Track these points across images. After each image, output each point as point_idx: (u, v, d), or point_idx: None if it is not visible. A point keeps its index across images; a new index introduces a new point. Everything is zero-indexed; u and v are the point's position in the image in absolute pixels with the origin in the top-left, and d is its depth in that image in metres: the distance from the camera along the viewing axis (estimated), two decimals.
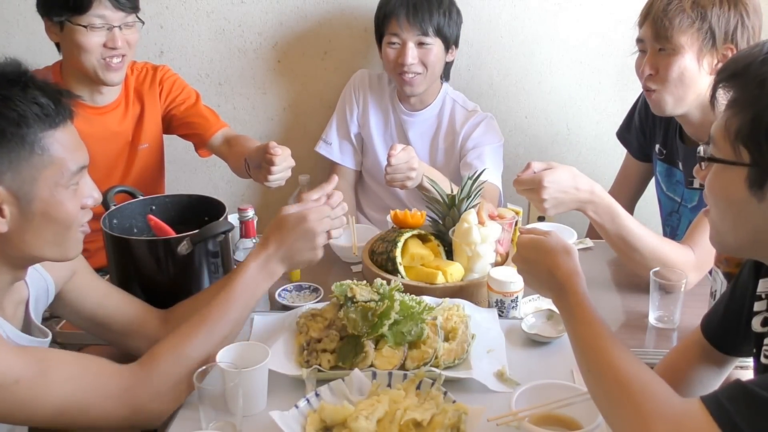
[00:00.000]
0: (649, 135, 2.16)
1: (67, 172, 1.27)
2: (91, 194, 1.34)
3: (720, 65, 1.74)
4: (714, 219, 1.13)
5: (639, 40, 1.90)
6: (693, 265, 1.71)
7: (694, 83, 1.82)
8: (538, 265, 1.30)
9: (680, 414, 0.98)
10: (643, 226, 1.76)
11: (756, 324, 1.23)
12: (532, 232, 1.37)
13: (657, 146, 2.13)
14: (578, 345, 1.16)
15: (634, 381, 1.03)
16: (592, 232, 2.24)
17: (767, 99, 1.00)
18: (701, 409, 0.97)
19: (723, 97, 1.09)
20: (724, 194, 1.08)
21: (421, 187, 2.03)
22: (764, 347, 1.20)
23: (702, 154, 1.11)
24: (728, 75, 1.08)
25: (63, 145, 1.27)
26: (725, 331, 1.33)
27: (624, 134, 2.28)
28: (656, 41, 1.83)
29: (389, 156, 1.96)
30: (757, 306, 1.24)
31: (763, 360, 1.20)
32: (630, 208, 2.36)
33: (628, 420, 1.01)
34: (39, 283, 1.44)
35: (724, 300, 1.35)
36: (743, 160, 1.03)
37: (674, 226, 2.16)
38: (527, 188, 1.70)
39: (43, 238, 1.28)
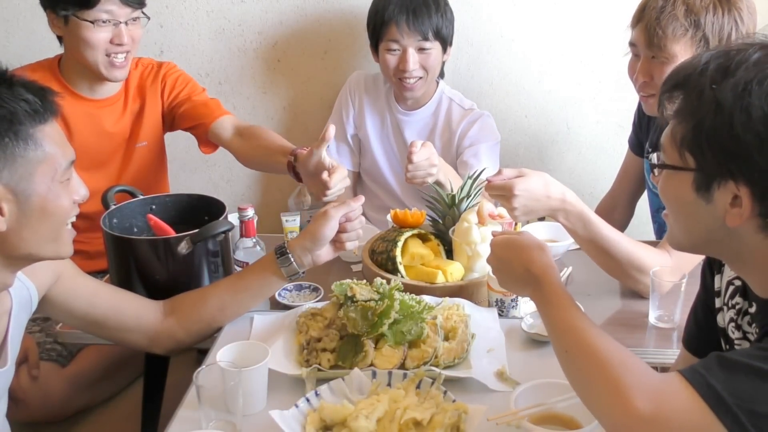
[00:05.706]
0: (644, 131, 2.16)
1: (60, 167, 1.29)
2: (79, 190, 1.35)
3: None
4: (669, 221, 1.18)
5: (632, 44, 1.87)
6: (669, 269, 1.70)
7: None
8: (513, 262, 1.31)
9: (659, 384, 1.01)
10: (617, 231, 1.72)
11: (720, 320, 1.25)
12: (505, 233, 1.41)
13: (646, 145, 2.13)
14: (556, 328, 1.17)
15: (612, 357, 1.05)
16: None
17: (706, 108, 1.05)
18: (679, 378, 1.00)
19: (669, 108, 1.13)
20: (675, 198, 1.14)
21: (438, 183, 2.00)
22: (730, 323, 1.23)
23: (654, 161, 1.16)
24: (671, 86, 1.12)
25: (53, 139, 1.28)
26: (707, 337, 1.33)
27: (633, 133, 2.28)
28: (649, 49, 1.79)
29: (410, 154, 1.91)
30: (718, 302, 1.26)
31: (730, 334, 1.23)
32: (631, 205, 2.35)
33: (608, 394, 1.03)
34: (22, 293, 1.43)
35: (696, 306, 1.36)
36: (689, 165, 1.08)
37: (661, 223, 2.16)
38: (499, 194, 1.69)
39: (41, 234, 1.29)
